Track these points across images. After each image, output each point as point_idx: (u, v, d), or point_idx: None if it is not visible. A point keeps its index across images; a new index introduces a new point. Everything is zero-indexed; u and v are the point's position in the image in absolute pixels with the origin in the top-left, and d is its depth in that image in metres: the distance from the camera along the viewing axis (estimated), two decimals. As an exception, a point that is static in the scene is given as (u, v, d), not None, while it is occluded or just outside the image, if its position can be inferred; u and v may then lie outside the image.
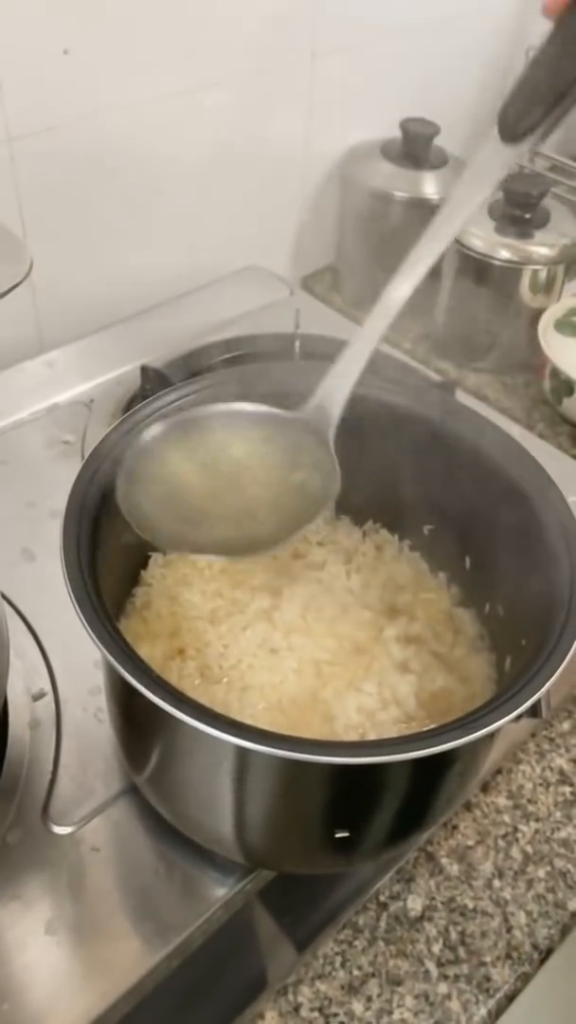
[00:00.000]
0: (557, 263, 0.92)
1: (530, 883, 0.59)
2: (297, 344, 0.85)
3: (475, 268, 0.93)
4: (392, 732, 0.51)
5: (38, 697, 0.61)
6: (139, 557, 0.58)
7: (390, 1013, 0.53)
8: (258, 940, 0.57)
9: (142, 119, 0.85)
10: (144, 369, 0.84)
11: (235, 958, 0.55)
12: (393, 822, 0.49)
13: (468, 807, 0.63)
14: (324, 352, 0.85)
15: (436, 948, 0.56)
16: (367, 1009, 0.53)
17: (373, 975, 0.55)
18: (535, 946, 0.56)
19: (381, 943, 0.56)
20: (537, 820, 0.62)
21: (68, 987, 0.49)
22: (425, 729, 0.41)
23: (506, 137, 0.45)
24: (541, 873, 0.60)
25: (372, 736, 0.51)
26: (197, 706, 0.40)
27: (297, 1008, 0.53)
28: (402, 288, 0.50)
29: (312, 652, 0.55)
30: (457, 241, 0.94)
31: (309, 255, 1.12)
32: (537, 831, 0.62)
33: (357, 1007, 0.53)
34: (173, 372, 0.81)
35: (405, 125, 0.99)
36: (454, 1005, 0.54)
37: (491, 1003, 0.54)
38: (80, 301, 0.92)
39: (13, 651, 0.61)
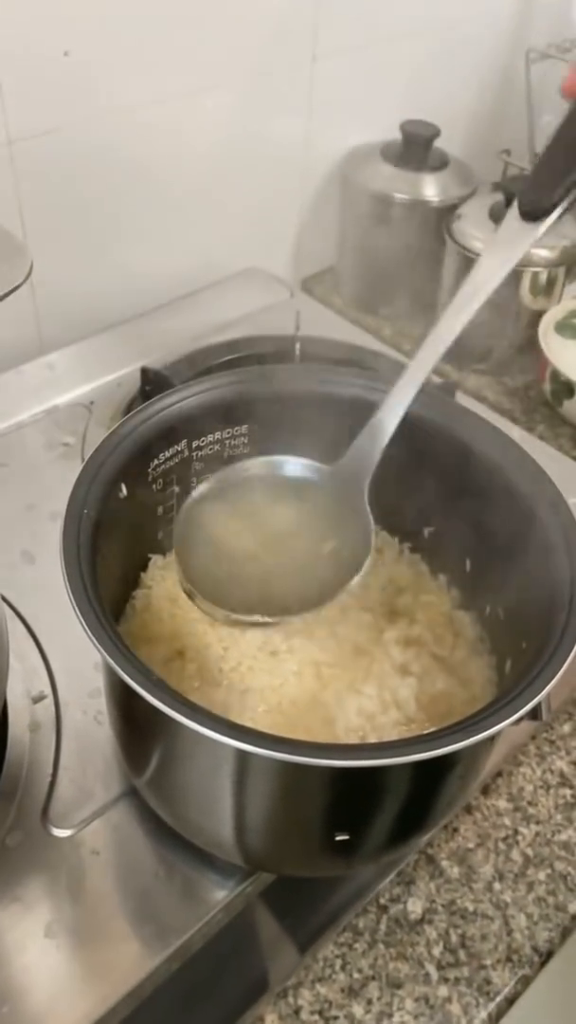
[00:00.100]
0: (557, 265, 0.92)
1: (530, 886, 0.59)
2: (297, 346, 0.86)
3: (475, 270, 0.93)
4: (392, 735, 0.51)
5: (38, 699, 0.61)
6: (139, 559, 0.58)
7: (390, 1016, 0.53)
8: (258, 942, 0.57)
9: (142, 121, 0.85)
10: (144, 371, 0.84)
11: (235, 960, 0.55)
12: (393, 825, 0.49)
13: (468, 810, 0.63)
14: (324, 354, 0.86)
15: (436, 951, 0.56)
16: (367, 1012, 0.53)
17: (373, 978, 0.55)
18: (535, 949, 0.56)
19: (381, 946, 0.56)
20: (538, 823, 0.62)
21: (68, 990, 0.49)
22: (425, 732, 0.40)
23: (527, 216, 0.46)
24: (541, 876, 0.60)
25: (372, 739, 0.51)
26: (197, 709, 0.40)
27: (297, 1011, 0.53)
28: (426, 363, 0.51)
29: (312, 654, 0.55)
30: (457, 243, 0.94)
31: (309, 257, 1.12)
32: (538, 834, 0.62)
33: (357, 1010, 0.53)
34: (173, 374, 0.81)
35: (405, 127, 0.99)
36: (454, 1008, 0.53)
37: (491, 1006, 0.54)
38: (80, 303, 0.92)
39: (13, 653, 0.61)
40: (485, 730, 0.39)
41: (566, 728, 0.68)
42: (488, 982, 0.55)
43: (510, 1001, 0.55)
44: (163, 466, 0.55)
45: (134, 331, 0.93)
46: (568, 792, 0.64)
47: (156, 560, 0.59)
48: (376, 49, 1.00)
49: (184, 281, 0.98)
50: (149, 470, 0.54)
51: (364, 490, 0.53)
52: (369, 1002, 0.54)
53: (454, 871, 0.59)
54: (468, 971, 0.55)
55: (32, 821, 0.55)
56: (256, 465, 0.54)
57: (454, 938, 0.56)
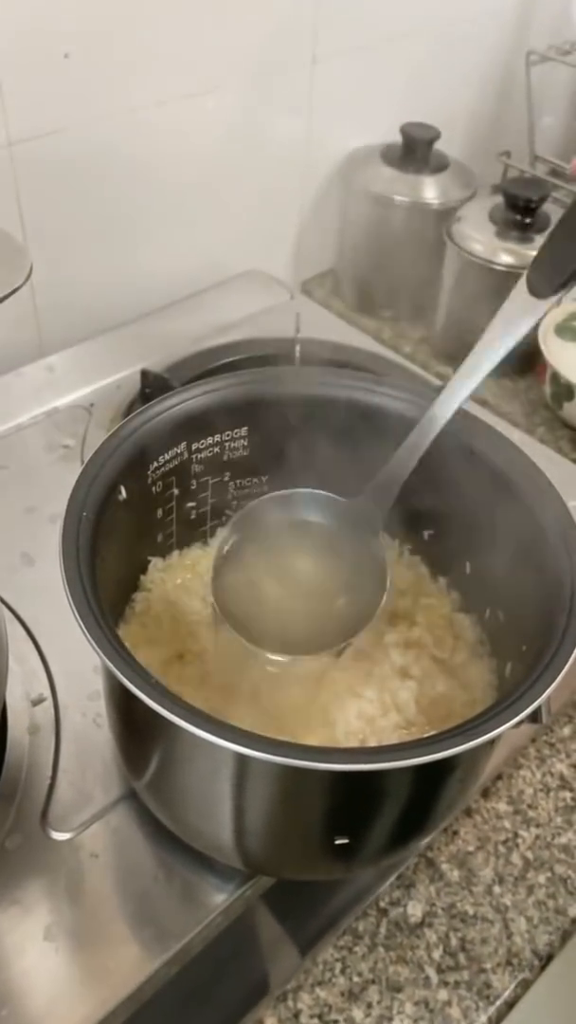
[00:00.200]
0: (557, 267, 0.92)
1: (530, 889, 0.59)
2: (297, 348, 0.85)
3: (476, 273, 0.93)
4: (392, 738, 0.51)
5: (37, 702, 0.61)
6: (139, 562, 0.58)
7: (390, 1020, 0.53)
8: (257, 946, 0.57)
9: (142, 123, 0.85)
10: (144, 373, 0.84)
11: (234, 964, 0.55)
12: (393, 828, 0.49)
13: (468, 813, 0.62)
14: (324, 356, 0.86)
15: (436, 954, 0.56)
16: (367, 1016, 0.53)
17: (373, 981, 0.55)
18: (535, 952, 0.56)
19: (381, 949, 0.56)
20: (537, 826, 0.62)
21: (67, 993, 0.49)
22: (426, 735, 0.40)
23: (535, 293, 0.47)
24: (541, 879, 0.59)
25: (372, 742, 0.50)
26: (196, 712, 0.39)
27: (297, 1015, 0.53)
28: (441, 417, 0.52)
29: (312, 656, 0.54)
30: (458, 245, 0.94)
31: (309, 259, 1.12)
32: (538, 837, 0.62)
33: (357, 1014, 0.53)
34: (173, 376, 0.81)
35: (405, 129, 0.99)
36: (454, 1012, 0.53)
37: (491, 1010, 0.54)
38: (80, 305, 0.92)
39: (12, 656, 0.61)
40: (485, 733, 0.39)
41: (566, 731, 0.68)
42: (488, 986, 0.55)
43: (510, 1005, 0.55)
44: (163, 468, 0.55)
45: (134, 333, 0.93)
46: (568, 795, 0.64)
47: (156, 563, 0.59)
48: (376, 51, 1.00)
49: (184, 283, 0.98)
50: (149, 472, 0.54)
51: (379, 530, 0.54)
52: (369, 1006, 0.53)
53: (454, 874, 0.59)
54: (468, 975, 0.55)
55: (31, 824, 0.55)
56: (278, 505, 0.56)
57: (454, 941, 0.56)
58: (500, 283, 0.92)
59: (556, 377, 0.89)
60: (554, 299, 0.47)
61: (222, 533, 0.61)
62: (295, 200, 1.05)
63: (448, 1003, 0.54)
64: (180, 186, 0.92)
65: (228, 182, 0.96)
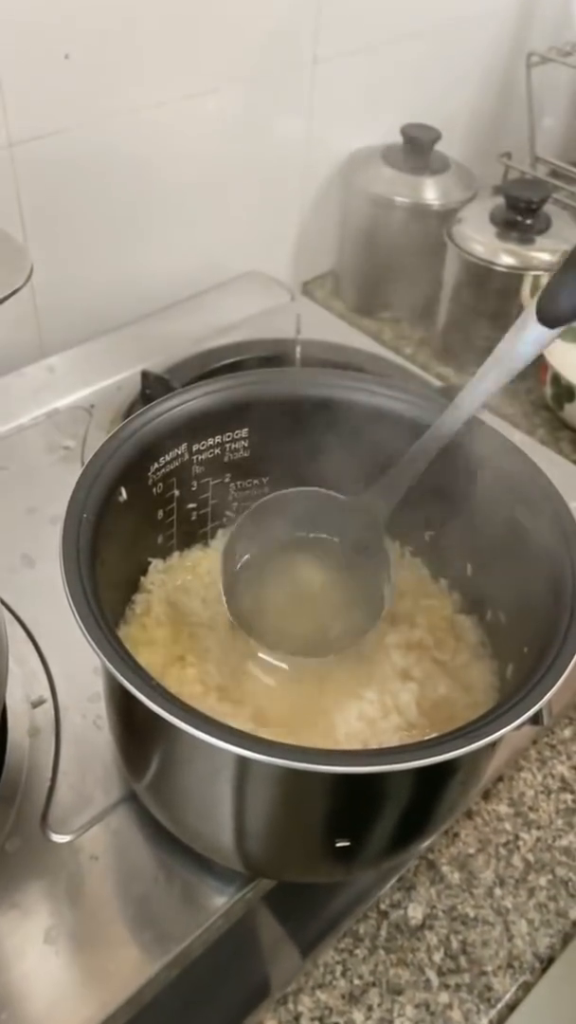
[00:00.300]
0: (558, 269, 0.92)
1: (531, 891, 0.59)
2: (298, 349, 0.85)
3: (476, 274, 0.93)
4: (393, 740, 0.51)
5: (37, 704, 0.61)
6: (139, 564, 0.58)
7: (391, 1022, 0.53)
8: (258, 948, 0.57)
9: (143, 124, 0.85)
10: (145, 374, 0.84)
11: (235, 966, 0.55)
12: (394, 831, 0.48)
13: (469, 815, 0.62)
14: (325, 357, 0.86)
15: (437, 957, 0.56)
16: (368, 1019, 0.53)
17: (374, 984, 0.54)
18: (536, 955, 0.56)
19: (382, 952, 0.56)
20: (538, 828, 0.62)
21: (67, 996, 0.49)
22: (427, 738, 0.40)
23: (545, 322, 0.47)
24: (542, 881, 0.59)
25: (373, 744, 0.50)
26: (196, 714, 0.39)
27: (297, 1017, 0.53)
28: (453, 424, 0.52)
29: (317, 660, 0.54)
30: (458, 246, 0.94)
31: (310, 260, 1.12)
32: (538, 839, 0.61)
33: (358, 1016, 0.53)
34: (174, 377, 0.81)
35: (406, 130, 0.99)
36: (455, 1015, 0.53)
37: (492, 1013, 0.54)
38: (81, 306, 0.92)
39: (12, 658, 0.61)
40: (487, 736, 0.39)
41: (567, 733, 0.68)
42: (489, 988, 0.54)
43: (511, 1007, 0.55)
44: (163, 470, 0.54)
45: (134, 334, 0.92)
46: (569, 797, 0.64)
47: (156, 564, 0.58)
48: (377, 52, 1.00)
49: (185, 284, 0.98)
50: (149, 474, 0.54)
51: (383, 525, 0.55)
52: (370, 1008, 0.53)
53: (455, 877, 0.59)
54: (469, 977, 0.55)
55: (31, 826, 0.54)
56: (282, 506, 0.56)
57: (455, 944, 0.56)
58: (501, 284, 0.92)
59: (557, 378, 0.89)
60: (564, 327, 0.47)
61: (223, 535, 0.61)
62: (296, 201, 1.05)
63: (449, 1006, 0.54)
64: (181, 187, 0.92)
65: (229, 183, 0.96)
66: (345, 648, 0.54)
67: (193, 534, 0.60)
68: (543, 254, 0.91)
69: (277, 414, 0.56)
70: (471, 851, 0.61)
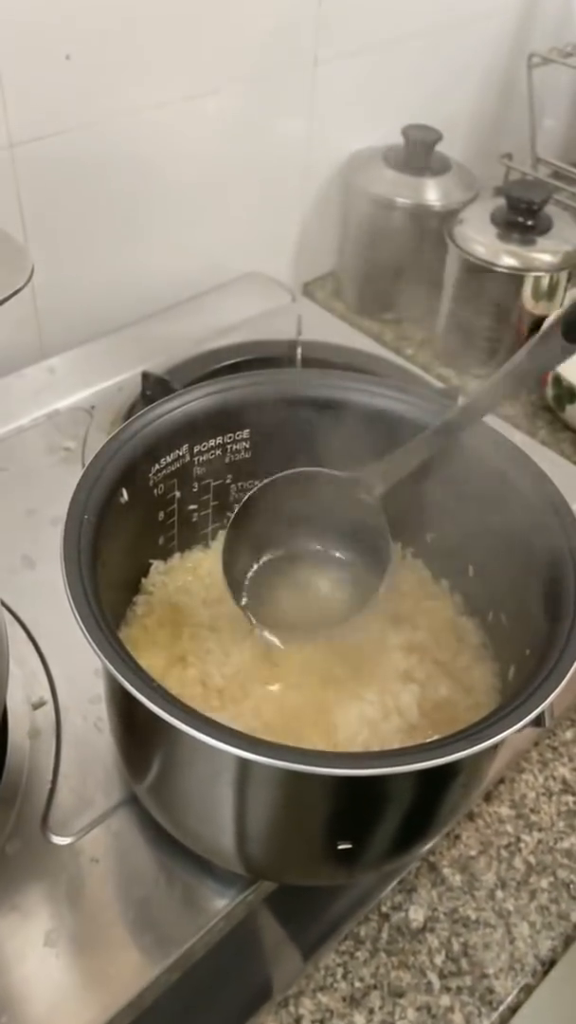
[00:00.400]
0: (560, 270, 0.92)
1: (533, 894, 0.59)
2: (299, 350, 0.85)
3: (477, 274, 0.93)
4: (394, 742, 0.50)
5: (38, 706, 0.60)
6: (140, 565, 0.58)
7: (392, 1026, 0.53)
8: (259, 951, 0.57)
9: (144, 125, 0.84)
10: (145, 375, 0.83)
11: (236, 969, 0.55)
12: (396, 833, 0.48)
13: (470, 817, 0.62)
14: (326, 358, 0.85)
15: (438, 959, 0.56)
16: (369, 1021, 0.53)
17: (375, 987, 0.54)
18: (538, 957, 0.56)
19: (383, 954, 0.56)
20: (540, 830, 0.62)
21: (67, 999, 0.49)
22: (429, 740, 0.40)
23: (567, 337, 0.48)
24: (544, 884, 0.59)
25: (375, 746, 0.50)
26: (197, 716, 0.39)
27: (298, 1020, 0.53)
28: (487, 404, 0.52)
29: (314, 660, 0.54)
30: (459, 247, 0.93)
31: (311, 261, 1.12)
32: (540, 841, 0.61)
33: (359, 1019, 0.53)
34: (174, 378, 0.81)
35: (407, 132, 0.98)
36: (457, 1018, 0.53)
37: (494, 1016, 0.54)
38: (81, 307, 0.92)
39: (13, 659, 0.61)
40: (489, 738, 0.39)
41: (568, 735, 0.68)
42: (491, 991, 0.54)
43: (513, 1010, 0.55)
44: (164, 471, 0.54)
45: (135, 335, 0.92)
46: (571, 799, 0.64)
47: (157, 565, 0.58)
48: (378, 53, 1.00)
49: (185, 285, 0.98)
50: (150, 475, 0.54)
51: (379, 499, 0.54)
52: (371, 1011, 0.53)
53: (456, 879, 0.59)
54: (470, 980, 0.55)
55: (32, 829, 0.54)
56: (281, 488, 0.55)
57: (456, 947, 0.56)
58: (502, 285, 0.92)
59: (558, 380, 0.89)
60: None
61: (223, 535, 0.61)
62: (296, 202, 1.05)
63: (450, 1009, 0.53)
64: (181, 187, 0.92)
65: (229, 184, 0.96)
66: (344, 623, 0.54)
67: (194, 535, 0.60)
68: (544, 255, 0.91)
69: (278, 415, 0.56)
70: (472, 853, 0.60)
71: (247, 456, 0.58)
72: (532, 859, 0.60)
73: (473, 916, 0.57)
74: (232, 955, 0.54)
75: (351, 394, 0.57)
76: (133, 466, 0.51)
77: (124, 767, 0.55)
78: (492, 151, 1.10)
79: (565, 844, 0.61)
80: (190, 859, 0.53)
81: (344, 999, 0.54)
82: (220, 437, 0.56)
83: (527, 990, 0.55)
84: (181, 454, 0.55)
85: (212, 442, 0.56)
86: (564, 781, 0.65)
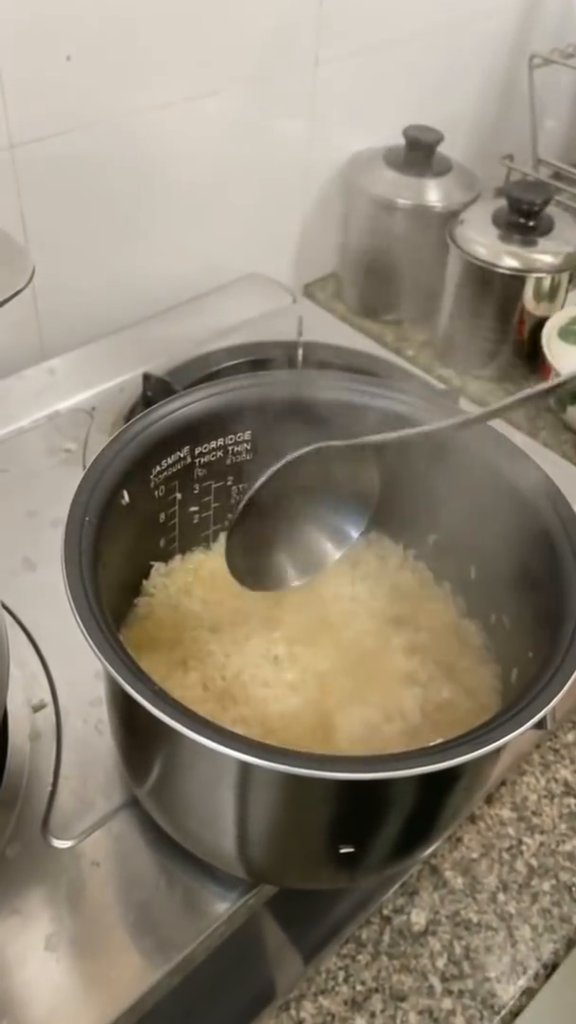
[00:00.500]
0: (561, 271, 0.92)
1: (535, 897, 0.58)
2: (300, 352, 0.85)
3: (478, 276, 0.93)
4: (397, 746, 0.50)
5: (38, 708, 0.60)
6: (141, 567, 0.58)
7: (394, 1030, 0.53)
8: (260, 954, 0.56)
9: (145, 126, 0.84)
10: (146, 376, 0.83)
11: (237, 972, 0.55)
12: (399, 837, 0.48)
13: (472, 819, 0.62)
14: (327, 360, 0.85)
15: (440, 963, 0.55)
16: (371, 1025, 0.53)
17: (376, 990, 0.54)
18: (540, 961, 0.56)
19: (385, 958, 0.55)
20: (542, 832, 0.62)
21: (68, 1003, 0.48)
22: (432, 744, 0.40)
23: None
24: (546, 886, 0.59)
25: (377, 749, 0.50)
26: (198, 719, 0.39)
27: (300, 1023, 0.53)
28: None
29: (315, 662, 0.54)
30: (461, 248, 0.93)
31: (312, 262, 1.12)
32: (542, 844, 0.61)
33: (360, 1023, 0.53)
34: (175, 380, 0.81)
35: (408, 132, 0.98)
36: (458, 1021, 0.53)
37: (496, 1019, 0.53)
38: (82, 308, 0.92)
39: (13, 661, 0.61)
40: (493, 742, 0.39)
41: (570, 737, 0.67)
42: (492, 994, 0.54)
43: (515, 1014, 0.55)
44: (165, 473, 0.54)
45: (136, 336, 0.92)
46: (572, 802, 0.63)
47: (158, 567, 0.58)
48: (379, 54, 0.99)
49: (186, 286, 0.98)
50: (151, 477, 0.54)
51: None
52: (372, 1015, 0.53)
53: (458, 882, 0.59)
54: (472, 983, 0.55)
55: (32, 832, 0.54)
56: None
57: (458, 950, 0.56)
58: (503, 286, 0.92)
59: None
60: None
61: (224, 537, 0.60)
62: (297, 203, 1.05)
63: (452, 1012, 0.53)
64: (182, 189, 0.92)
65: (230, 185, 0.96)
66: (325, 566, 0.55)
67: (195, 537, 0.60)
68: (545, 256, 0.91)
69: (279, 417, 0.56)
70: (474, 856, 0.60)
71: (248, 458, 0.58)
72: (534, 862, 0.60)
73: (475, 919, 0.57)
74: (233, 958, 0.54)
75: (352, 395, 0.56)
76: (134, 468, 0.51)
77: (125, 770, 0.55)
78: (493, 152, 1.10)
79: (567, 847, 0.61)
80: (191, 862, 0.53)
81: (345, 1003, 0.53)
82: (221, 439, 0.56)
83: (529, 993, 0.55)
84: (182, 456, 0.55)
85: (213, 444, 0.56)
86: (566, 783, 0.65)
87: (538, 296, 0.93)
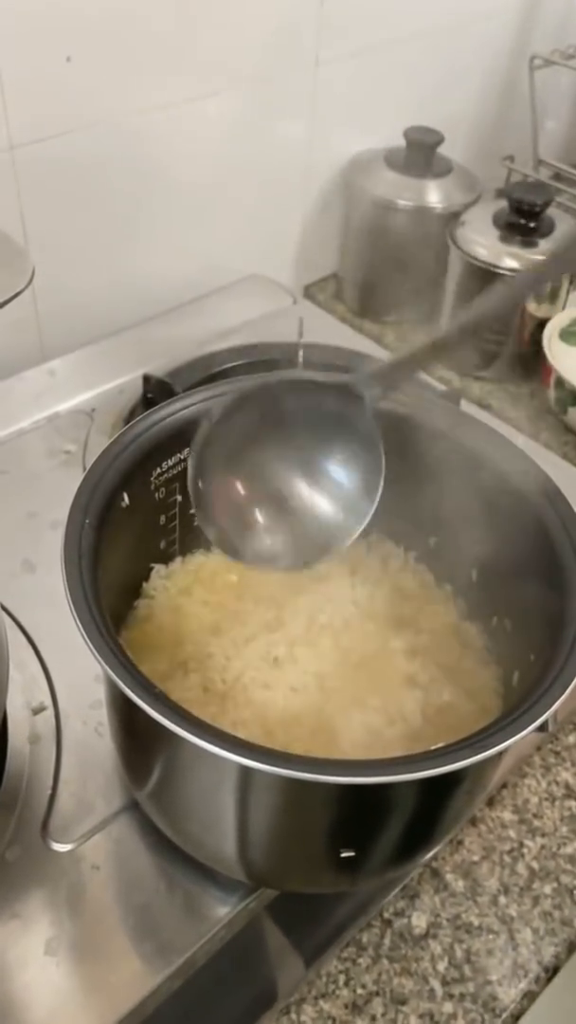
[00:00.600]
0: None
1: (536, 900, 0.58)
2: (300, 353, 0.85)
3: (479, 277, 0.93)
4: (398, 749, 0.50)
5: (38, 711, 0.60)
6: (141, 568, 0.58)
7: (395, 1033, 0.52)
8: (261, 958, 0.56)
9: (145, 127, 0.84)
10: (146, 378, 0.83)
11: (238, 976, 0.55)
12: (400, 841, 0.48)
13: (473, 822, 0.62)
14: (327, 361, 0.85)
15: (441, 966, 0.55)
16: (372, 1029, 0.52)
17: (377, 994, 0.54)
18: (541, 964, 0.56)
19: (385, 961, 0.55)
20: (543, 835, 0.62)
21: (68, 1007, 0.48)
22: (434, 747, 0.40)
23: None
24: (547, 889, 0.59)
25: (378, 753, 0.50)
26: (198, 723, 0.39)
27: (300, 1028, 0.52)
28: None
29: (316, 665, 0.54)
30: (461, 249, 0.93)
31: (312, 264, 1.11)
32: (543, 846, 0.61)
33: (361, 1027, 0.52)
34: (176, 381, 0.80)
35: (409, 133, 0.98)
36: (460, 1025, 0.53)
37: (497, 1023, 0.53)
38: (82, 309, 0.91)
39: (13, 664, 0.61)
40: (494, 746, 0.38)
41: (571, 739, 0.67)
42: (494, 998, 0.54)
43: (516, 1017, 0.54)
44: (166, 474, 0.54)
45: (136, 338, 0.92)
46: (574, 804, 0.63)
47: (159, 569, 0.58)
48: (379, 55, 0.99)
49: (186, 287, 0.98)
50: (152, 478, 0.53)
51: (372, 418, 0.51)
52: (373, 1018, 0.53)
53: (459, 885, 0.59)
54: (473, 987, 0.54)
55: (32, 835, 0.54)
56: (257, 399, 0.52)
57: (459, 953, 0.56)
58: (504, 287, 0.92)
59: (561, 382, 0.89)
60: None
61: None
62: (298, 204, 1.05)
63: (453, 1016, 0.53)
64: (182, 190, 0.92)
65: (231, 186, 0.96)
66: (327, 557, 0.52)
67: (195, 539, 0.60)
68: (546, 257, 0.91)
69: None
70: (475, 859, 0.60)
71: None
72: (535, 865, 0.60)
73: (476, 922, 0.57)
74: (234, 962, 0.54)
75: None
76: (134, 470, 0.51)
77: (125, 773, 0.54)
78: (494, 153, 1.10)
79: (568, 849, 0.61)
80: (191, 866, 0.53)
81: (346, 1006, 0.53)
82: (222, 440, 0.56)
83: (530, 997, 0.55)
84: (183, 458, 0.54)
85: (214, 445, 0.56)
86: (567, 786, 0.64)
87: (539, 298, 0.93)
